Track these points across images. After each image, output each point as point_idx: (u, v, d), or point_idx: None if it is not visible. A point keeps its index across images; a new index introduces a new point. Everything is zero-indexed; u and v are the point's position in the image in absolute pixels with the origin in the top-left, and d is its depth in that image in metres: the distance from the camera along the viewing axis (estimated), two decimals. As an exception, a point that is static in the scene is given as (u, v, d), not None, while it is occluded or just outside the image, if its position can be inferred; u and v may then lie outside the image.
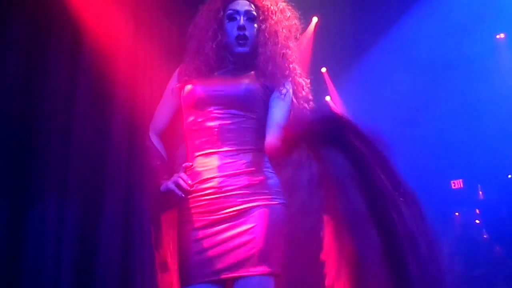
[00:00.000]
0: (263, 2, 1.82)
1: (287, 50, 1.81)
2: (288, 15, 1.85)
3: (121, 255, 2.83)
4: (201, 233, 1.63)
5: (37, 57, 2.76)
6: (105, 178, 2.87)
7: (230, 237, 1.61)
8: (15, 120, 2.63)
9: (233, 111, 1.71)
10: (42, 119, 2.72)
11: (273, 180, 1.70)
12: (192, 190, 1.69)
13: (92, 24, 2.93)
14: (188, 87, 1.77)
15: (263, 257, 1.58)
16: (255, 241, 1.59)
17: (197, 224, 1.65)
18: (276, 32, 1.79)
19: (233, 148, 1.69)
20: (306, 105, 1.85)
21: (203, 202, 1.66)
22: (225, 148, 1.69)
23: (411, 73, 4.55)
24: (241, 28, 1.76)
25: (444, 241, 4.33)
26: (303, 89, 1.86)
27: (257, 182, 1.66)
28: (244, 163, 1.68)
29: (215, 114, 1.71)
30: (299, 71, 1.86)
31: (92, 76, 2.92)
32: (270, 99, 1.77)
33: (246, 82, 1.76)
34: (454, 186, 4.53)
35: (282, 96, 1.76)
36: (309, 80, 1.89)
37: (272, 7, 1.82)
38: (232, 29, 1.77)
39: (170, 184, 1.70)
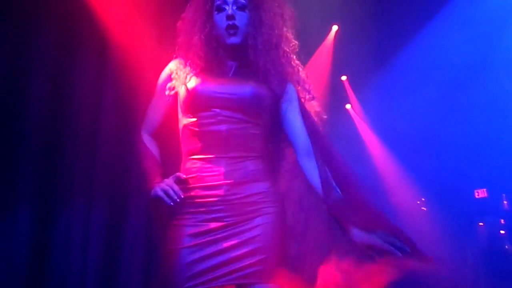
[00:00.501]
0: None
1: (281, 40, 1.70)
2: (280, 2, 1.75)
3: (145, 260, 2.86)
4: (200, 239, 1.56)
5: (64, 66, 2.83)
6: (130, 184, 2.91)
7: (234, 246, 1.55)
8: (44, 127, 2.69)
9: (240, 115, 1.62)
10: (69, 126, 2.79)
11: (274, 187, 1.66)
12: (193, 195, 1.59)
13: (117, 33, 2.98)
14: (189, 85, 1.64)
15: (268, 266, 1.54)
16: (260, 250, 1.55)
17: (196, 229, 1.57)
18: (266, 21, 1.68)
19: (240, 155, 1.61)
20: (307, 95, 1.77)
21: (206, 209, 1.58)
22: (232, 154, 1.61)
23: (434, 80, 4.50)
24: (230, 17, 1.64)
25: (468, 252, 4.25)
26: (299, 83, 1.76)
27: (261, 190, 1.62)
28: (249, 171, 1.62)
29: (222, 117, 1.61)
30: (295, 63, 1.76)
31: (117, 84, 2.98)
32: (282, 108, 1.70)
33: (252, 85, 1.65)
34: (478, 195, 4.44)
35: (294, 104, 1.71)
36: (305, 71, 1.80)
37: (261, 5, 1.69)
38: (221, 20, 1.65)
39: (159, 191, 1.59)
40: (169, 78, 1.72)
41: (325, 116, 1.85)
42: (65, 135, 2.76)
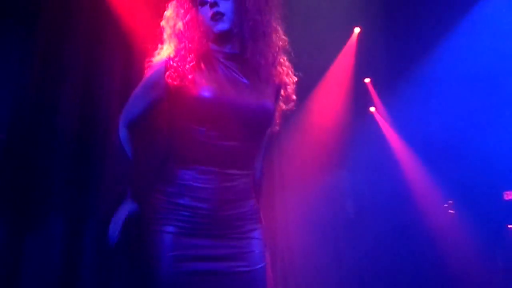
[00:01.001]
0: None
1: (269, 29, 1.63)
2: None
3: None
4: (186, 249, 1.51)
5: (92, 74, 2.91)
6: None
7: (223, 257, 1.54)
8: (74, 136, 2.77)
9: (247, 133, 1.58)
10: (98, 134, 2.85)
11: (257, 205, 1.68)
12: (181, 203, 1.54)
13: (142, 41, 3.05)
14: (202, 93, 1.53)
15: (259, 278, 1.57)
16: (251, 263, 1.56)
17: (182, 239, 1.51)
18: (251, 7, 1.60)
19: (236, 172, 1.58)
20: (284, 105, 1.72)
21: (193, 220, 1.53)
22: (229, 171, 1.56)
23: (460, 81, 4.42)
24: (212, 4, 1.57)
25: (498, 255, 4.15)
26: (286, 89, 1.70)
27: (249, 208, 1.62)
28: (241, 189, 1.60)
29: (230, 133, 1.55)
30: (286, 65, 1.71)
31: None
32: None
33: (262, 102, 1.60)
34: (507, 197, 4.34)
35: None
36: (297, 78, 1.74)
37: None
38: (205, 11, 1.60)
39: (111, 224, 1.60)
40: (168, 68, 1.58)
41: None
42: (94, 144, 2.83)
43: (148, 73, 1.65)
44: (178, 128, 1.60)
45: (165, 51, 1.63)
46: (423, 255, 4.48)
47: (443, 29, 4.51)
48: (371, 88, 5.13)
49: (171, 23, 1.64)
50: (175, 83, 1.56)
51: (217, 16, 1.58)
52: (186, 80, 1.54)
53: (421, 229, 4.55)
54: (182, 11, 1.63)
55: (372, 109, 5.22)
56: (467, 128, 4.40)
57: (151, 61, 1.67)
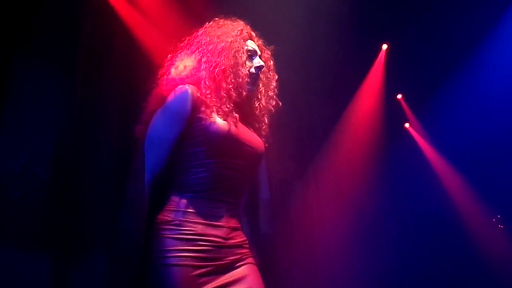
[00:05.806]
0: (264, 54, 1.82)
1: (273, 95, 1.84)
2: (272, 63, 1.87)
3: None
4: (204, 280, 1.48)
5: (127, 114, 2.98)
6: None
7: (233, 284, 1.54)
8: (114, 174, 2.82)
9: (249, 166, 1.68)
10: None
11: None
12: (194, 231, 1.52)
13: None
14: (226, 127, 1.58)
15: None
16: None
17: (200, 270, 1.49)
18: (270, 76, 1.84)
19: (235, 201, 1.65)
20: None
21: (207, 248, 1.52)
22: (230, 199, 1.62)
23: (498, 93, 4.28)
24: (260, 68, 1.73)
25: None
26: (267, 140, 1.84)
27: (245, 238, 1.66)
28: (239, 219, 1.68)
29: (238, 165, 1.63)
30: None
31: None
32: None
33: (262, 142, 1.76)
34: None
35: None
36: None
37: (268, 61, 1.85)
38: (249, 66, 1.73)
39: None
40: (185, 106, 1.58)
41: None
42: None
43: (176, 109, 1.59)
44: (186, 156, 1.59)
45: (193, 88, 1.60)
46: (470, 272, 4.29)
47: (476, 39, 4.40)
48: (404, 104, 5.05)
49: (228, 57, 1.68)
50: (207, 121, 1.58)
51: (255, 79, 1.74)
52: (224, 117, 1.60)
53: (468, 244, 4.37)
54: (239, 55, 1.69)
55: (406, 125, 5.13)
56: (507, 141, 4.25)
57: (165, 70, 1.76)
